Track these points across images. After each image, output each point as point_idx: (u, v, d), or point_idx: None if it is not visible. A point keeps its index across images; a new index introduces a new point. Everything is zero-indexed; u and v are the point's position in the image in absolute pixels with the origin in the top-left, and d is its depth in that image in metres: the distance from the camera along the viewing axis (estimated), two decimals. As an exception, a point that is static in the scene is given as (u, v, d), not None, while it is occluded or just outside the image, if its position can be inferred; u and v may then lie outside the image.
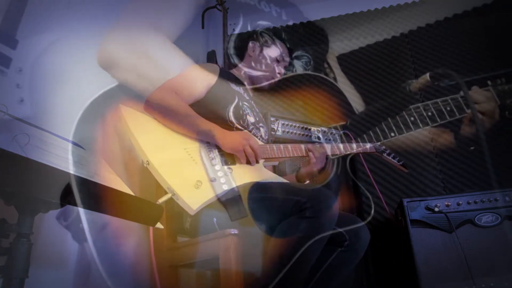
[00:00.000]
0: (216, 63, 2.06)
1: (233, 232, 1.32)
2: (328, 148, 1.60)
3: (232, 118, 1.55)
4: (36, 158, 0.80)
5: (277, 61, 1.80)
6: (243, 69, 1.82)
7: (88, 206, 0.91)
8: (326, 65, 2.89)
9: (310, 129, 2.11)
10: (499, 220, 1.73)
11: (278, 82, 1.84)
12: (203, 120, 1.45)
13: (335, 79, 2.79)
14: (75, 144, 1.15)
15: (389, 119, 1.64)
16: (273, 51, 1.81)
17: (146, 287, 1.60)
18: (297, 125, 2.10)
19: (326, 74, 2.83)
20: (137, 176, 1.61)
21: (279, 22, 2.96)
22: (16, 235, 0.86)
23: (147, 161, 1.30)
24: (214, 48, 2.62)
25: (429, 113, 2.37)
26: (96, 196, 0.88)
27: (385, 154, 1.70)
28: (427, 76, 1.68)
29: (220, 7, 2.66)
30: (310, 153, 1.55)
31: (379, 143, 1.75)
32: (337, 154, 1.63)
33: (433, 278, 1.70)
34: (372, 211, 1.80)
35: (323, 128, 2.15)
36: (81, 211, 1.28)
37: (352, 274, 1.83)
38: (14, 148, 0.79)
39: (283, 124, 2.05)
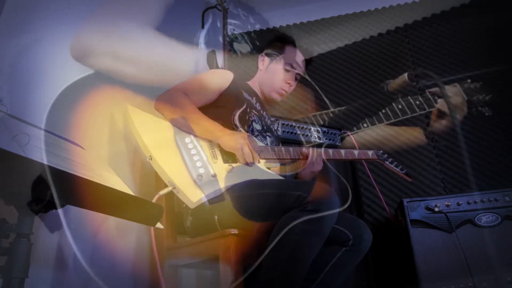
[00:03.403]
0: (216, 63, 2.06)
1: (233, 232, 1.32)
2: (329, 152, 1.61)
3: (237, 122, 1.57)
4: (36, 158, 0.80)
5: (286, 70, 1.79)
6: (257, 81, 1.85)
7: (88, 206, 0.91)
8: None
9: (310, 129, 2.11)
10: (499, 220, 1.73)
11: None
12: (207, 119, 1.48)
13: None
14: (73, 143, 1.15)
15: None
16: (281, 61, 1.81)
17: (146, 287, 1.60)
18: (297, 125, 2.10)
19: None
20: (141, 177, 1.62)
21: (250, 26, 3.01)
22: (16, 235, 0.86)
23: (150, 156, 1.34)
24: (214, 48, 2.62)
25: (399, 106, 2.40)
26: (96, 196, 0.88)
27: (387, 162, 1.69)
28: (405, 76, 1.69)
29: (220, 7, 2.66)
30: (310, 156, 1.56)
31: (381, 151, 1.74)
32: (337, 159, 1.64)
33: (433, 278, 1.70)
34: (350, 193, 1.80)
35: (323, 129, 2.16)
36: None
37: (352, 274, 1.84)
38: (14, 148, 0.79)
39: (283, 124, 2.05)
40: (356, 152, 1.68)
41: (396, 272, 2.00)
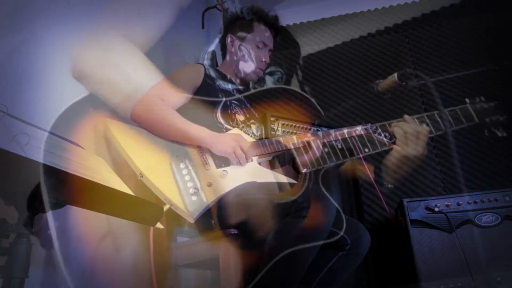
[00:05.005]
0: (216, 63, 2.06)
1: (233, 232, 1.32)
2: (320, 136, 1.58)
3: (221, 119, 1.54)
4: (36, 158, 0.80)
5: (258, 48, 1.75)
6: (230, 65, 1.79)
7: (88, 206, 0.91)
8: (298, 66, 2.93)
9: (310, 129, 2.11)
10: (499, 220, 1.73)
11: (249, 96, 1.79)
12: (192, 125, 1.42)
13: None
14: (73, 143, 1.15)
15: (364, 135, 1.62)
16: (252, 39, 1.76)
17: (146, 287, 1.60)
18: (297, 125, 2.09)
19: (297, 74, 2.87)
20: (133, 184, 1.60)
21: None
22: (16, 235, 0.86)
23: (141, 173, 1.28)
24: (214, 48, 2.62)
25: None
26: (96, 196, 0.88)
27: (376, 134, 1.66)
28: (395, 76, 1.66)
29: (220, 7, 2.66)
30: (312, 143, 1.52)
31: (369, 124, 1.69)
32: (331, 141, 1.59)
33: (433, 278, 1.70)
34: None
35: (323, 128, 2.15)
36: (50, 218, 1.23)
37: (352, 274, 1.83)
38: (14, 148, 0.79)
39: (283, 124, 2.04)
40: (345, 130, 1.61)
41: (396, 272, 2.00)
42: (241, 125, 1.58)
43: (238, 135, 1.47)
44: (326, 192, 1.29)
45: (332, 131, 1.59)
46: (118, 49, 1.63)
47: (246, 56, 1.75)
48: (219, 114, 1.55)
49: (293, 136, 1.56)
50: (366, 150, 1.58)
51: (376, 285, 2.00)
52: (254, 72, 1.76)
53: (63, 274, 1.28)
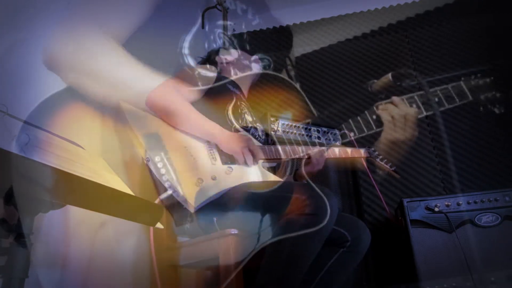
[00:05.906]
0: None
1: (233, 232, 1.32)
2: (325, 151, 1.61)
3: (231, 117, 1.57)
4: (36, 158, 0.80)
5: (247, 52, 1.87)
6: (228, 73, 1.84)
7: (87, 206, 0.91)
8: (288, 62, 2.92)
9: (310, 129, 2.11)
10: (499, 220, 1.73)
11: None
12: (205, 118, 1.46)
13: (295, 75, 2.85)
14: (74, 143, 1.15)
15: (350, 120, 1.62)
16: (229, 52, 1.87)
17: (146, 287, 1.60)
18: (297, 125, 2.10)
19: (287, 71, 2.86)
20: (137, 174, 1.60)
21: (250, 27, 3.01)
22: (16, 235, 0.86)
23: (147, 158, 1.31)
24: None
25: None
26: (96, 196, 0.88)
27: (378, 159, 1.72)
28: (389, 76, 1.66)
29: (220, 7, 2.66)
30: (313, 156, 1.55)
31: (373, 148, 1.75)
32: (332, 158, 1.65)
33: (433, 278, 1.70)
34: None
35: (323, 128, 2.15)
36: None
37: (352, 274, 1.84)
38: (14, 148, 0.79)
39: (283, 124, 2.04)
40: (349, 150, 1.68)
41: (396, 272, 2.00)
42: (249, 125, 1.61)
43: (247, 137, 1.49)
44: (328, 190, 1.29)
45: (336, 150, 1.64)
46: (90, 39, 1.60)
47: (241, 55, 1.85)
48: (230, 112, 1.58)
49: (299, 147, 1.59)
50: (352, 134, 1.59)
51: (376, 285, 2.00)
52: (250, 76, 1.85)
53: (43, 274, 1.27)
